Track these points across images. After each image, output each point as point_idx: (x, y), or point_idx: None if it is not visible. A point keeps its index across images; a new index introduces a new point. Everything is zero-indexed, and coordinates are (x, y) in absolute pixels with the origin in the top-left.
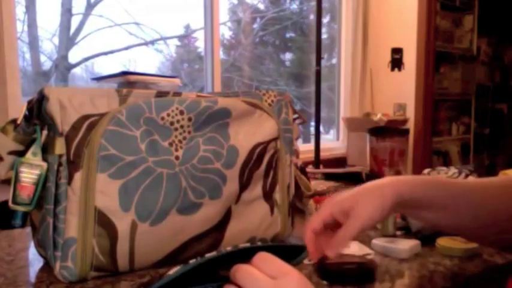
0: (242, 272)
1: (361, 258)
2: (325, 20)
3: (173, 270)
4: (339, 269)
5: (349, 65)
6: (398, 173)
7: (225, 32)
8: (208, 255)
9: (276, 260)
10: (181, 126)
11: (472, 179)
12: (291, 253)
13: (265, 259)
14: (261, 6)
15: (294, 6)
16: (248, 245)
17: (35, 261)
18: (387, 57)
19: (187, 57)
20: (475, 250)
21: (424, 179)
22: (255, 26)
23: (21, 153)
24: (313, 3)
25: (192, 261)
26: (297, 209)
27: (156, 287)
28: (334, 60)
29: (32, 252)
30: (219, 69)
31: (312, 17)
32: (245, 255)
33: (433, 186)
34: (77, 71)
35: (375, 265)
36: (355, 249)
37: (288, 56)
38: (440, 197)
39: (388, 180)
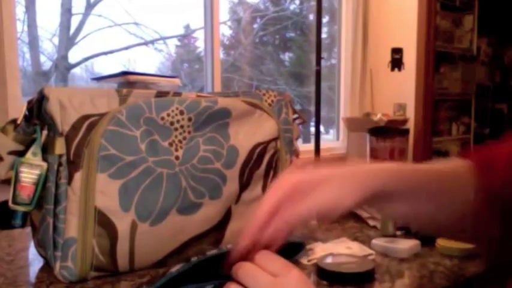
0: (244, 269)
1: (361, 258)
2: (325, 20)
3: (175, 268)
4: (338, 269)
5: (349, 65)
6: None
7: (225, 31)
8: (209, 252)
9: (278, 258)
10: (181, 126)
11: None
12: (290, 250)
13: (267, 257)
14: (261, 6)
15: (294, 6)
16: None
17: (35, 261)
18: (387, 57)
19: (187, 57)
20: (475, 250)
21: (397, 169)
22: (255, 25)
23: (21, 153)
24: (313, 3)
25: (193, 258)
26: None
27: (159, 285)
28: (334, 60)
29: (32, 252)
30: (219, 69)
31: (312, 17)
32: None
33: (406, 176)
34: (76, 71)
35: (375, 265)
36: (355, 249)
37: (287, 55)
38: (412, 183)
39: (361, 171)
